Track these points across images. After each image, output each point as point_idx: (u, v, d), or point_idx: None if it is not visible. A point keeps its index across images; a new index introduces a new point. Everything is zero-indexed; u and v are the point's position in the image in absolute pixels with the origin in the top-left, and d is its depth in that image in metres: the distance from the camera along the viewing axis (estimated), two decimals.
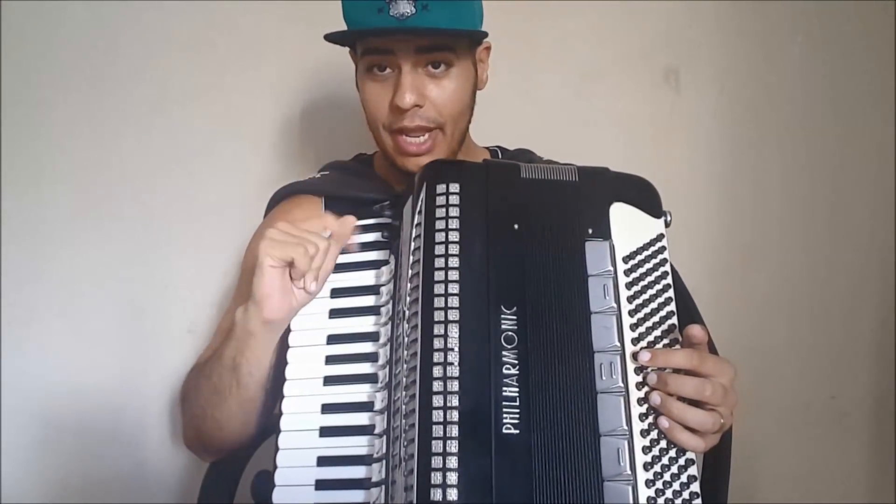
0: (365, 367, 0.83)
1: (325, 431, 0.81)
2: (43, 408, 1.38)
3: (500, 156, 1.10)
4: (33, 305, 1.39)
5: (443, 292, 0.75)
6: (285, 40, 1.44)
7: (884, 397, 1.49)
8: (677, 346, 0.77)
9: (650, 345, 0.77)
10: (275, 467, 0.80)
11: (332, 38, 0.92)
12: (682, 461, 0.73)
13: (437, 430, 0.69)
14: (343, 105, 1.40)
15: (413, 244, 0.79)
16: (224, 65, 1.44)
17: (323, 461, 0.80)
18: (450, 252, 0.76)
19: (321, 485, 0.79)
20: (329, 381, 0.83)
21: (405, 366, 0.76)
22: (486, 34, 0.96)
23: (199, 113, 1.43)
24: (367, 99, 0.94)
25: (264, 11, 1.43)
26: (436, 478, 0.68)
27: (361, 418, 0.81)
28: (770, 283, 1.50)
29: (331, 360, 0.84)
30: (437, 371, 0.71)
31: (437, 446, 0.69)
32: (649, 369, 0.74)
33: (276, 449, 0.81)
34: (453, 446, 0.68)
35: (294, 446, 0.81)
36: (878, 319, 1.50)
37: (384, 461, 0.77)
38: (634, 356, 0.75)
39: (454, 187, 0.80)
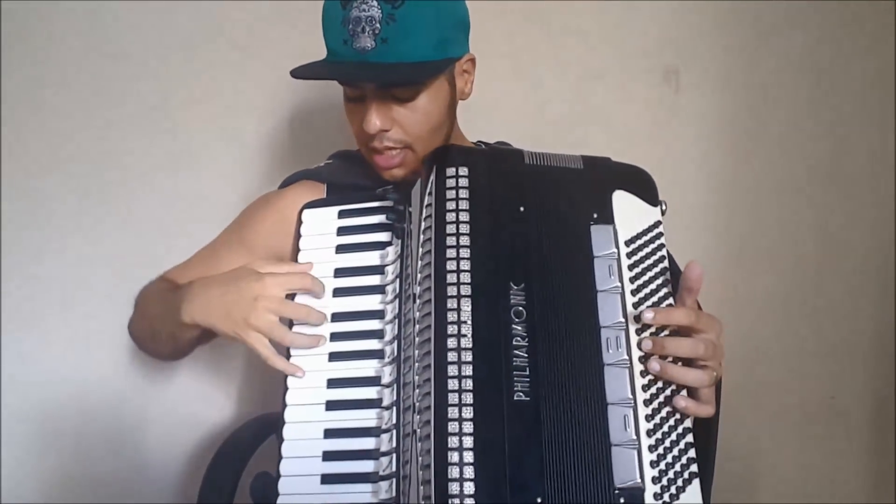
0: (371, 343, 0.86)
1: (332, 405, 0.84)
2: (43, 408, 1.38)
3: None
4: (33, 305, 1.39)
5: (454, 269, 0.78)
6: (284, 41, 1.44)
7: (884, 397, 1.50)
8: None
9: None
10: (281, 440, 0.83)
11: (297, 74, 0.93)
12: (680, 429, 0.77)
13: (453, 398, 0.73)
14: (339, 106, 1.40)
15: (424, 224, 0.83)
16: (223, 66, 1.45)
17: (330, 433, 0.83)
18: (461, 231, 0.80)
19: (328, 455, 0.82)
20: (334, 357, 0.86)
21: (416, 340, 0.79)
22: (450, 62, 0.93)
23: (199, 113, 1.44)
24: (347, 118, 0.97)
25: (264, 12, 1.44)
26: (452, 441, 0.71)
27: (369, 392, 0.83)
28: (769, 283, 1.50)
29: (336, 336, 0.87)
30: (451, 342, 0.75)
31: (453, 412, 0.72)
32: (644, 335, 0.79)
33: (283, 422, 0.84)
34: (468, 412, 0.72)
35: (300, 419, 0.84)
36: (878, 319, 1.50)
37: (393, 432, 0.80)
38: (637, 318, 0.79)
39: (463, 171, 0.84)
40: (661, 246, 0.86)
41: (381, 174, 0.96)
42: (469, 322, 0.76)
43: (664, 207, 0.88)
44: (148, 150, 1.43)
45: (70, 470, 1.39)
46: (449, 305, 0.77)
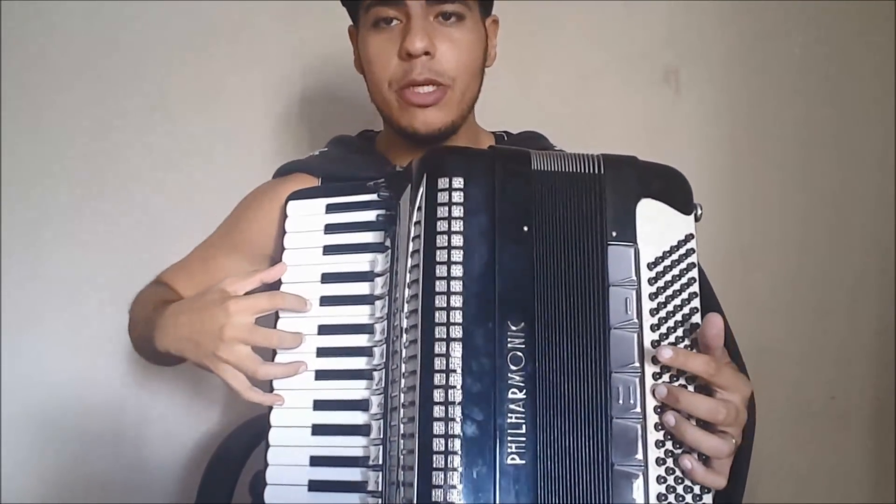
0: (360, 362, 0.77)
1: (318, 430, 0.76)
2: (43, 408, 1.37)
3: (505, 141, 1.02)
4: (33, 305, 1.38)
5: (444, 305, 0.68)
6: (284, 41, 1.43)
7: (884, 397, 1.48)
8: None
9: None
10: (265, 465, 0.77)
11: None
12: (696, 489, 0.67)
13: (438, 461, 0.64)
14: (341, 105, 1.39)
15: (412, 245, 0.72)
16: (223, 65, 1.43)
17: (316, 461, 0.76)
18: (452, 259, 0.69)
19: (314, 485, 0.75)
20: (321, 375, 0.78)
21: (403, 382, 0.70)
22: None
23: (199, 113, 1.42)
24: (372, 55, 0.87)
25: (263, 11, 1.42)
26: None
27: (356, 417, 0.76)
28: (770, 283, 1.48)
29: (323, 352, 0.78)
30: (437, 395, 0.66)
31: (437, 478, 0.64)
32: (660, 381, 0.68)
33: (267, 445, 0.77)
34: (454, 478, 0.64)
35: (285, 443, 0.77)
36: (878, 319, 1.49)
37: (381, 471, 0.72)
38: (653, 345, 0.69)
39: (458, 182, 0.71)
40: (692, 266, 0.72)
41: (410, 122, 0.87)
42: (458, 371, 0.66)
43: (699, 212, 0.74)
44: (148, 150, 1.42)
45: (70, 470, 1.37)
46: (437, 350, 0.67)
